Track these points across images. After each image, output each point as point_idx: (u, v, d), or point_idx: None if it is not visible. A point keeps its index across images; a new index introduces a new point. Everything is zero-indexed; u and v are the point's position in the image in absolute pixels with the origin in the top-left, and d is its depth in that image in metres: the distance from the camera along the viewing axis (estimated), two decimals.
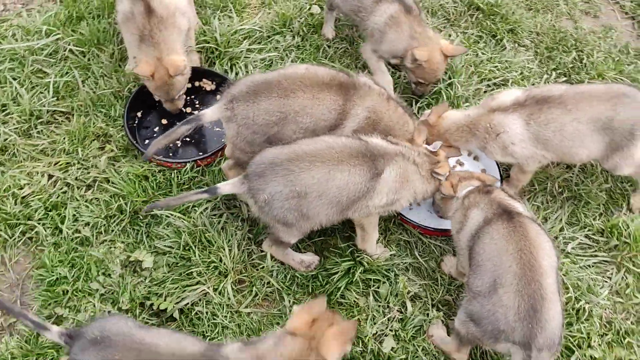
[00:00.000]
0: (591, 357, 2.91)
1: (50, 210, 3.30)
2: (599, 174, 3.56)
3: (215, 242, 3.15)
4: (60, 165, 3.48)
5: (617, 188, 3.52)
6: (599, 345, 2.96)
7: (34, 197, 3.34)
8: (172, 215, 3.26)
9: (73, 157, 3.51)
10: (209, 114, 3.02)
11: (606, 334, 3.03)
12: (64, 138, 3.57)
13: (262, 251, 3.19)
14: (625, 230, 3.32)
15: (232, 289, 3.07)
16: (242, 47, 3.93)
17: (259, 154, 2.86)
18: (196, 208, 3.28)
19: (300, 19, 4.17)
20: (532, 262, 2.49)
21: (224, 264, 3.10)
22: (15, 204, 3.30)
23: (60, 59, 3.92)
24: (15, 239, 3.24)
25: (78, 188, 3.42)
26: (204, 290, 3.04)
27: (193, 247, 3.13)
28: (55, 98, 3.74)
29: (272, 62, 3.95)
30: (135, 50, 3.46)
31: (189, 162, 3.42)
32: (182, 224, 3.21)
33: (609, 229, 3.35)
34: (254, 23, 4.08)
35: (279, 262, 3.17)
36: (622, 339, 3.03)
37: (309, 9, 4.24)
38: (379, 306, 3.05)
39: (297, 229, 2.90)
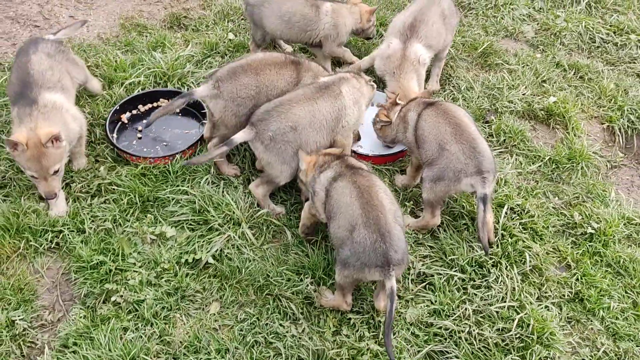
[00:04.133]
0: (517, 204, 4.03)
1: (70, 218, 3.74)
2: (472, 94, 4.86)
3: (223, 202, 3.82)
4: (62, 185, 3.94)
5: (490, 102, 4.83)
6: (519, 197, 4.09)
7: None
8: (176, 196, 3.88)
9: (70, 175, 3.99)
10: (199, 91, 3.80)
11: (520, 192, 4.18)
12: None
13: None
14: (506, 127, 4.60)
15: (249, 232, 3.75)
16: (187, 68, 4.75)
17: (255, 111, 3.68)
18: (199, 182, 3.94)
19: (224, 43, 5.11)
20: (460, 124, 3.61)
21: (236, 215, 3.77)
22: (38, 217, 3.69)
23: None
24: (44, 246, 3.61)
25: (84, 199, 3.90)
26: (228, 236, 3.67)
27: (207, 208, 3.77)
28: None
29: None
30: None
31: (177, 153, 4.08)
32: (191, 197, 3.84)
33: (495, 131, 4.61)
34: (190, 50, 4.94)
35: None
36: (531, 193, 4.20)
37: (227, 36, 5.21)
38: None
39: (291, 166, 3.68)
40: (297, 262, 3.64)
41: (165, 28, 5.45)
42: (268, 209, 3.85)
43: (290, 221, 3.88)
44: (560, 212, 4.11)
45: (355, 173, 3.29)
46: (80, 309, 3.36)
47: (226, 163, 4.10)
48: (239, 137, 3.62)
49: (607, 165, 4.64)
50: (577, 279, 3.71)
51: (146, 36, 5.24)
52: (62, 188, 3.89)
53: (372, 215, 3.10)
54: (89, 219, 3.76)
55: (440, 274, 3.62)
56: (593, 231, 3.95)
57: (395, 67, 4.45)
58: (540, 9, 6.03)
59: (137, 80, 4.62)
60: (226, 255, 3.63)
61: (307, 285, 3.49)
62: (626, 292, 3.69)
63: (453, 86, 5.01)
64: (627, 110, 4.90)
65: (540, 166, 4.43)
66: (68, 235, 3.66)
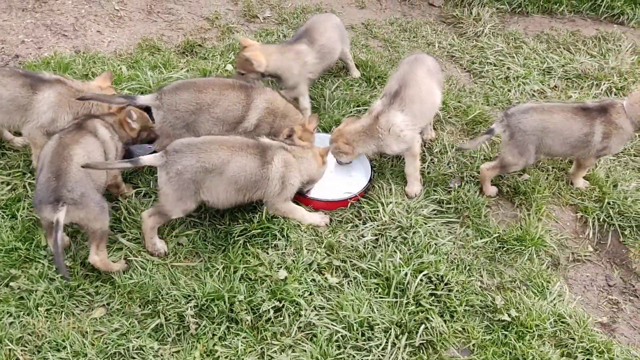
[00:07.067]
0: (437, 275, 3.81)
1: (10, 202, 4.07)
2: (442, 158, 4.71)
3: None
4: (17, 174, 4.31)
5: (458, 169, 4.66)
6: (448, 273, 3.86)
7: None
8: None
9: (25, 170, 4.35)
10: (142, 98, 4.07)
11: (450, 264, 3.96)
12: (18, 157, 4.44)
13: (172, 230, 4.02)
14: (465, 197, 4.41)
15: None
16: None
17: (178, 139, 3.82)
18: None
19: (218, 71, 5.39)
20: None
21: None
22: None
23: None
24: None
25: (32, 189, 4.22)
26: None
27: (122, 220, 3.99)
28: None
29: None
30: None
31: None
32: (120, 204, 4.05)
33: (454, 199, 4.42)
34: (181, 74, 5.25)
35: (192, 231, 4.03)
36: (462, 267, 3.97)
37: (224, 66, 5.50)
38: (277, 253, 3.88)
39: (186, 204, 3.70)
40: (190, 285, 3.67)
41: (177, 53, 5.83)
42: (150, 244, 3.81)
43: (206, 247, 3.95)
44: (487, 293, 3.84)
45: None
46: None
47: None
48: (147, 159, 3.68)
49: (568, 257, 4.28)
50: None
51: (155, 57, 5.64)
52: (17, 177, 4.26)
53: (56, 161, 3.47)
54: (26, 207, 4.06)
55: (328, 328, 3.51)
56: (510, 319, 3.64)
57: (366, 123, 4.31)
58: (554, 86, 5.77)
59: (123, 93, 4.97)
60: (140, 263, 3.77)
61: (188, 309, 3.51)
62: None
63: (427, 147, 4.90)
64: (609, 204, 4.51)
65: (486, 242, 4.18)
66: (1, 218, 3.98)
